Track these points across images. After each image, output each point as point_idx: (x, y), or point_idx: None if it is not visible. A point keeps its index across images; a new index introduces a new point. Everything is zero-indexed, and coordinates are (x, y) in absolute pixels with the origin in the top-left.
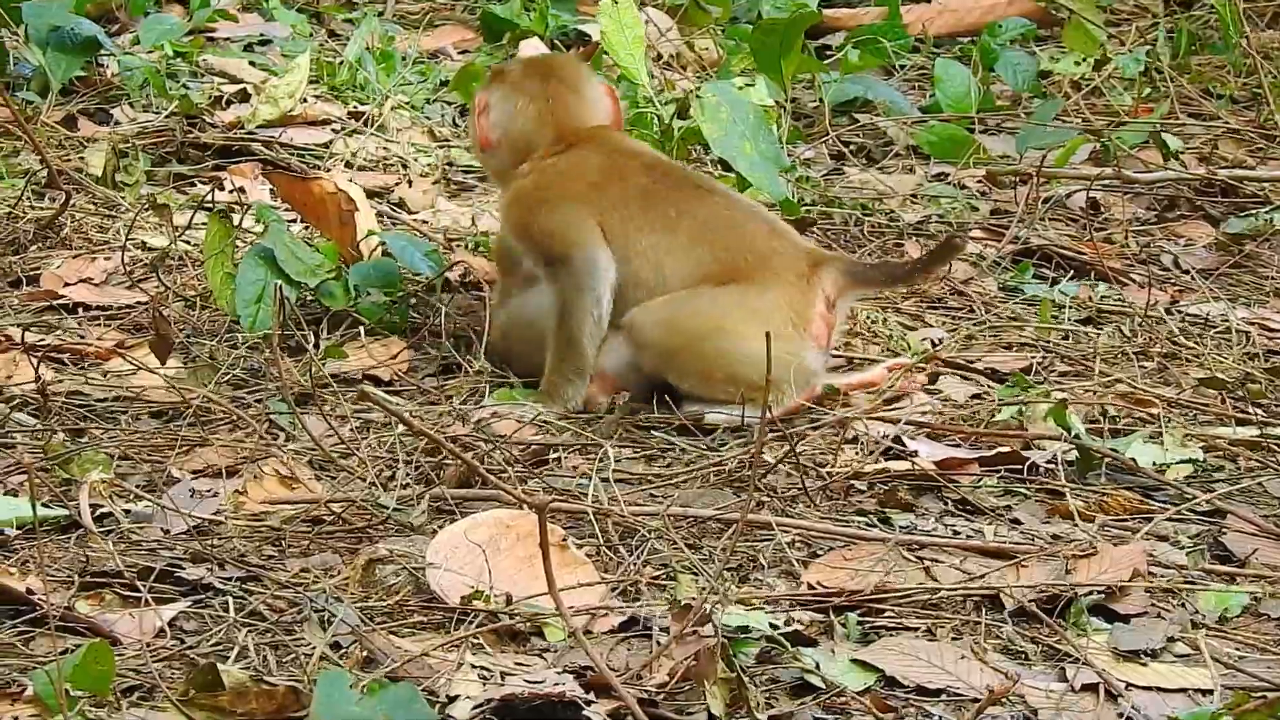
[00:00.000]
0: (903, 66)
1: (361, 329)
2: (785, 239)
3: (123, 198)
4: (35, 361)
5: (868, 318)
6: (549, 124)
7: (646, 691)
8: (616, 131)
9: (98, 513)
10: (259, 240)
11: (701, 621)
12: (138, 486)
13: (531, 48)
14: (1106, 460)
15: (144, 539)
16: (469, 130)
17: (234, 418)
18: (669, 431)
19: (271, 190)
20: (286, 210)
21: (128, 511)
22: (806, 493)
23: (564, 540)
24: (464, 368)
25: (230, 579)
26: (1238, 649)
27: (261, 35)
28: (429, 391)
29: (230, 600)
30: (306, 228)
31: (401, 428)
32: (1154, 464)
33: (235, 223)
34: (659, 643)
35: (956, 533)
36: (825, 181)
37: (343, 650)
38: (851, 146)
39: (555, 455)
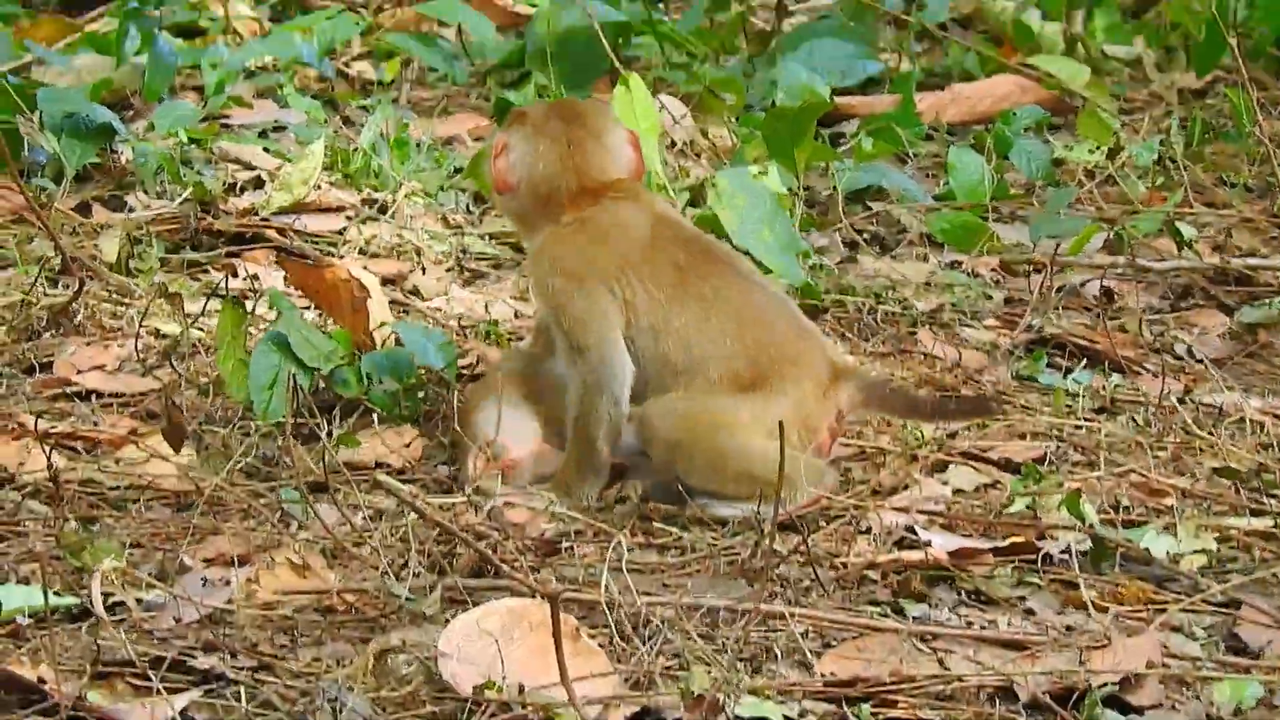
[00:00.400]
0: (916, 154)
1: (374, 417)
2: (812, 341)
3: (136, 284)
4: (47, 449)
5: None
6: (571, 172)
7: None
8: (641, 187)
9: (110, 601)
10: (272, 327)
11: (715, 712)
12: (150, 575)
13: None
14: (1120, 550)
15: (156, 628)
16: (487, 171)
17: (246, 506)
18: (682, 524)
19: (285, 277)
20: (300, 297)
21: (140, 600)
22: (819, 583)
23: (576, 630)
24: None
25: (242, 668)
26: None
27: (276, 122)
28: (442, 480)
29: (242, 690)
30: (320, 315)
31: (414, 516)
32: (1168, 554)
33: (249, 309)
34: None
35: (970, 623)
36: (839, 269)
37: None
38: (865, 234)
39: (567, 545)
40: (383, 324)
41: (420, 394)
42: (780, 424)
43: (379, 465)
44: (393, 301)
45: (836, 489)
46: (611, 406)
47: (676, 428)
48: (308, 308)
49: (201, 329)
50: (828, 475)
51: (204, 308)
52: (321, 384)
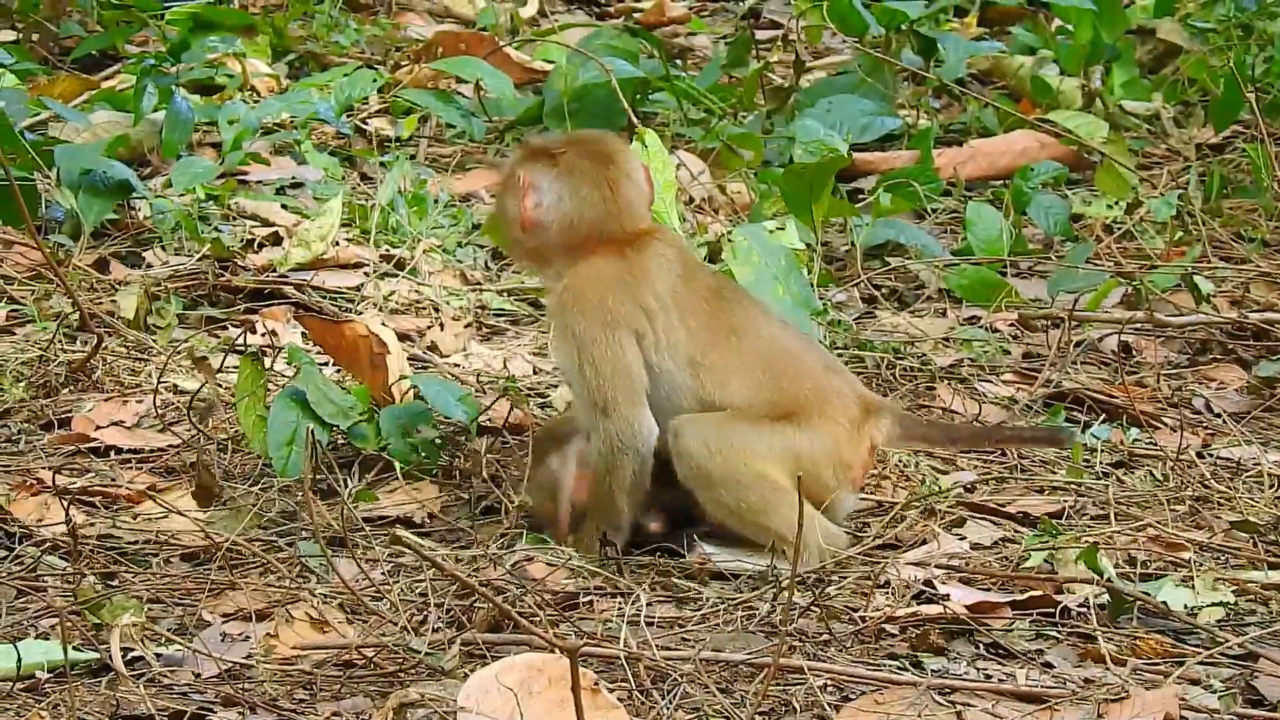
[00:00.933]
0: (934, 210)
1: (394, 471)
2: (842, 377)
3: (154, 340)
4: (66, 505)
5: (899, 460)
6: (615, 216)
7: None
8: (668, 230)
9: (129, 656)
10: (291, 383)
11: None
12: (169, 630)
13: None
14: (1138, 604)
15: (175, 683)
16: (506, 208)
17: (265, 561)
18: (701, 580)
19: (304, 333)
20: (318, 353)
21: (159, 655)
22: (837, 637)
23: (596, 684)
24: (500, 510)
25: None
26: None
27: (293, 178)
28: (460, 534)
29: None
30: (338, 371)
31: (433, 571)
32: (1185, 607)
33: (267, 365)
34: None
35: (988, 676)
36: (857, 324)
37: None
38: (883, 289)
39: (586, 600)
40: (402, 378)
41: (441, 448)
42: (798, 479)
43: (398, 520)
44: (411, 357)
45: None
46: (638, 465)
47: (712, 455)
48: (326, 363)
49: (220, 385)
50: (839, 538)
51: (222, 364)
52: (340, 439)
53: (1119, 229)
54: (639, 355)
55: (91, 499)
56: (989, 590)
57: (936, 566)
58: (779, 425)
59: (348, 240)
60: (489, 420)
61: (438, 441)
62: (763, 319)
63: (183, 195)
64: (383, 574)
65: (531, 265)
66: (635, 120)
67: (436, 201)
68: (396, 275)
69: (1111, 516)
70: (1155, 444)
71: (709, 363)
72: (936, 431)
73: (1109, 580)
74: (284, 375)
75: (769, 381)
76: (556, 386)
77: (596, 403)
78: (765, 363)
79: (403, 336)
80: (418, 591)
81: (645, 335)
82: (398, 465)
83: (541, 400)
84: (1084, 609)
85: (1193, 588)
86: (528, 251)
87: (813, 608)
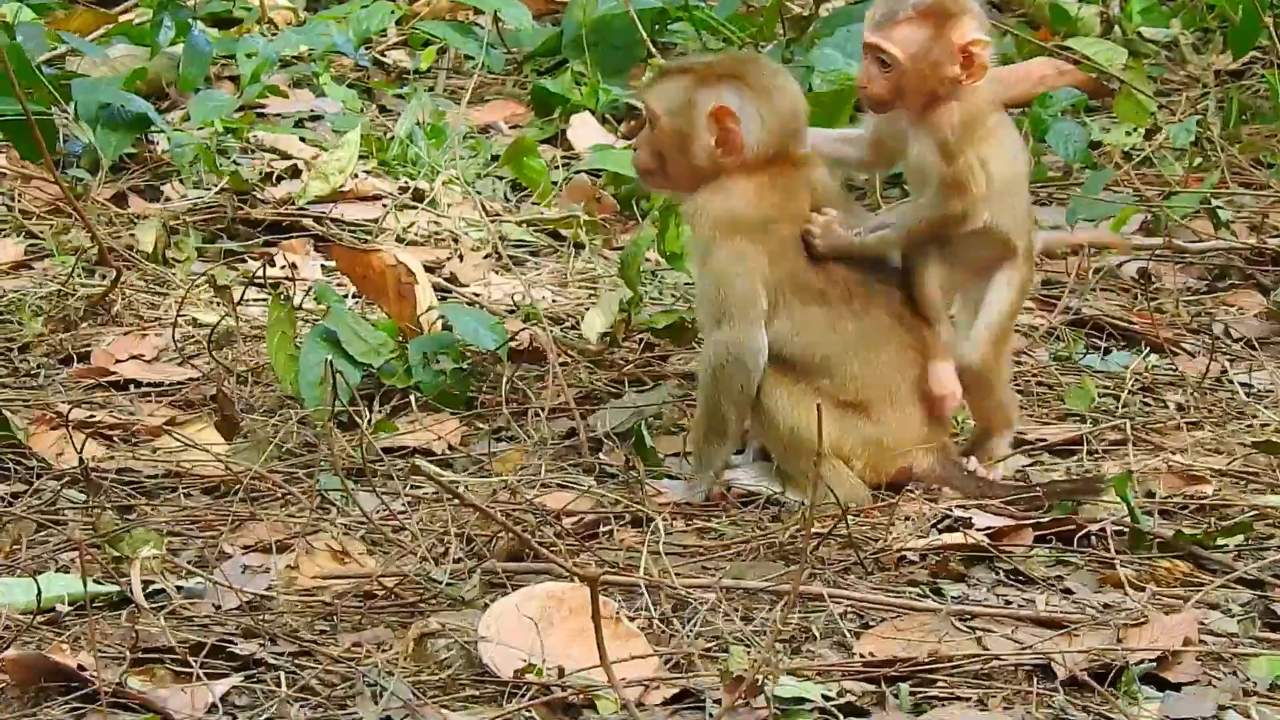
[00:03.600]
0: None
1: (412, 400)
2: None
3: (173, 274)
4: (81, 440)
5: None
6: (795, 135)
7: None
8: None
9: (149, 589)
10: (322, 321)
11: (754, 693)
12: (189, 562)
13: (582, 124)
14: (1157, 531)
15: (196, 615)
16: (705, 127)
17: (285, 493)
18: (723, 508)
19: (323, 266)
20: (341, 284)
21: (179, 588)
22: (861, 563)
23: (616, 613)
24: (520, 439)
25: (282, 654)
26: None
27: (312, 111)
28: (482, 463)
29: (282, 675)
30: (359, 300)
31: (453, 501)
32: (1205, 532)
33: (290, 298)
34: (711, 715)
35: (1008, 602)
36: None
37: None
38: None
39: (606, 529)
40: (430, 308)
41: (468, 378)
42: (818, 406)
43: (418, 451)
44: (431, 288)
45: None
46: (745, 380)
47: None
48: (349, 295)
49: (239, 318)
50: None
51: (242, 296)
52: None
53: (1138, 156)
54: (765, 275)
55: (111, 433)
56: (1009, 518)
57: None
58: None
59: (366, 173)
60: (517, 345)
61: (465, 369)
62: (880, 293)
63: (201, 129)
64: (403, 505)
65: (675, 190)
66: (654, 50)
67: (455, 133)
68: (415, 207)
69: (1130, 444)
70: (1175, 370)
71: (804, 317)
72: (972, 485)
73: (1131, 513)
74: (307, 310)
75: (850, 361)
76: (582, 315)
77: (713, 313)
78: (858, 340)
79: (423, 268)
80: (438, 522)
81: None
82: (416, 397)
83: (567, 327)
84: (1104, 534)
85: (1212, 514)
86: (689, 175)
87: (834, 535)
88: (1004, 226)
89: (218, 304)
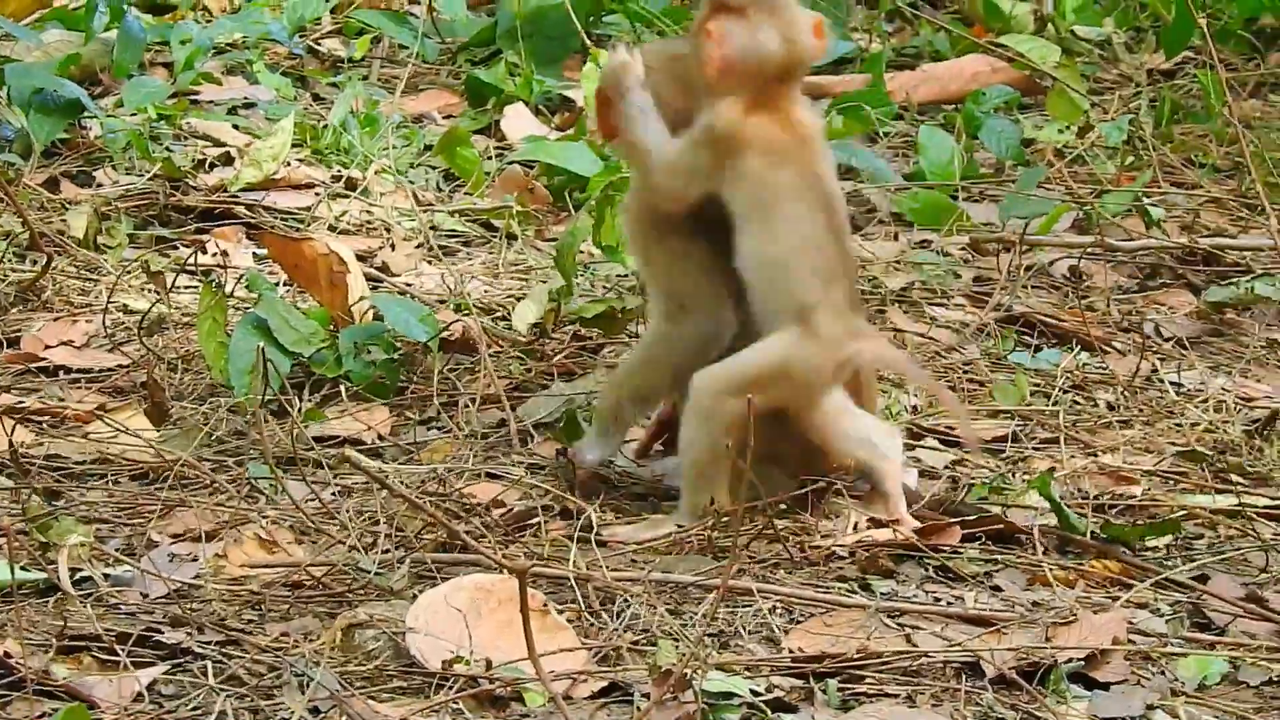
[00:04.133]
0: (886, 133)
1: (343, 390)
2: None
3: (105, 260)
4: (9, 425)
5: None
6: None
7: None
8: None
9: (77, 576)
10: (253, 309)
11: (682, 687)
12: (117, 550)
13: (516, 114)
14: (1086, 530)
15: (123, 603)
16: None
17: (214, 481)
18: (653, 504)
19: (255, 254)
20: (271, 272)
21: (107, 575)
22: (791, 558)
23: (545, 605)
24: (450, 430)
25: (209, 643)
26: (1217, 717)
27: (245, 98)
28: (411, 453)
29: (209, 664)
30: (290, 287)
31: (382, 491)
32: (1133, 526)
33: (221, 285)
34: (639, 709)
35: (937, 599)
36: None
37: (322, 715)
38: None
39: (536, 521)
40: (361, 298)
41: (399, 367)
42: (749, 400)
43: (348, 441)
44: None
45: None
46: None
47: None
48: (280, 282)
49: (170, 305)
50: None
51: (173, 283)
52: (294, 362)
53: (1070, 154)
54: None
55: (39, 419)
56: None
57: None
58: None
59: (299, 161)
60: (450, 335)
61: (396, 359)
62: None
63: (134, 115)
64: (332, 494)
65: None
66: (589, 42)
67: (388, 122)
68: (348, 196)
69: (1060, 442)
70: (1106, 368)
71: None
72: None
73: (1058, 509)
74: (238, 299)
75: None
76: (513, 306)
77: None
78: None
79: (355, 257)
80: (367, 512)
81: None
82: (347, 386)
83: (497, 318)
84: (1032, 532)
85: (1140, 514)
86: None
87: (764, 530)
88: None
89: (149, 291)
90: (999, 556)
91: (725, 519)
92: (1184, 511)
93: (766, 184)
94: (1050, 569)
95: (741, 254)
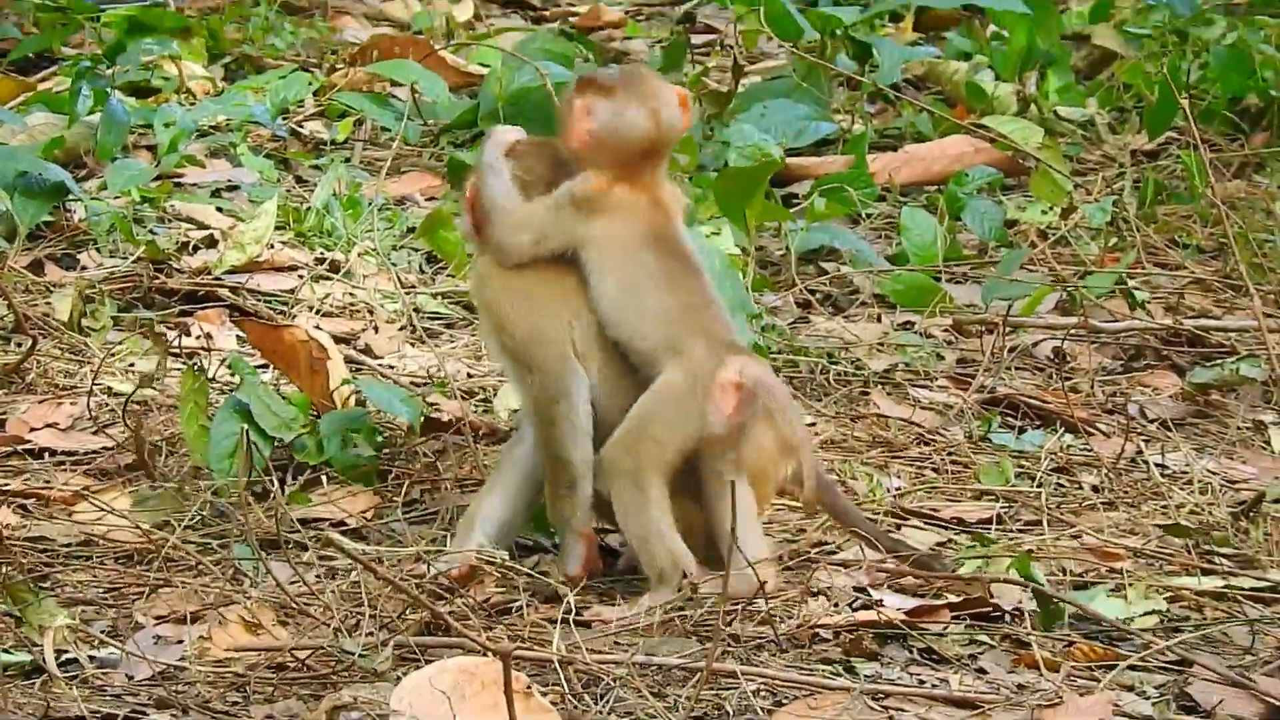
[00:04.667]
0: (869, 215)
1: (323, 477)
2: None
3: (89, 343)
4: None
5: (832, 467)
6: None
7: None
8: None
9: (62, 658)
10: (234, 393)
11: None
12: (102, 632)
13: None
14: (1070, 611)
15: (108, 685)
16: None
17: (199, 563)
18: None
19: (239, 336)
20: (254, 357)
21: (92, 657)
22: (776, 638)
23: (529, 688)
24: (437, 515)
25: None
26: None
27: (229, 181)
28: (395, 536)
29: None
30: (275, 373)
31: (366, 574)
32: (1118, 618)
33: (204, 368)
34: None
35: (922, 682)
36: (791, 330)
37: None
38: (818, 295)
39: (519, 604)
40: (343, 383)
41: (380, 452)
42: (732, 484)
43: (331, 523)
44: (345, 360)
45: (775, 564)
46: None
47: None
48: (263, 366)
49: (155, 388)
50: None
51: (158, 366)
52: (277, 443)
53: (1054, 235)
54: None
55: (25, 501)
56: (924, 596)
57: (871, 568)
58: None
59: (283, 243)
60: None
61: (379, 443)
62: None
63: (118, 197)
64: (316, 576)
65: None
66: None
67: (371, 204)
68: (331, 278)
69: (1045, 523)
70: (1090, 450)
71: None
72: (848, 513)
73: (1041, 588)
74: (221, 381)
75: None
76: (495, 389)
77: None
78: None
79: (337, 339)
80: (351, 595)
81: None
82: (329, 473)
83: (479, 400)
84: (1018, 613)
85: (1126, 598)
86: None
87: (747, 613)
88: None
89: (134, 372)
90: (983, 637)
91: (697, 590)
92: (1169, 593)
93: (620, 239)
94: (1036, 649)
95: (601, 308)
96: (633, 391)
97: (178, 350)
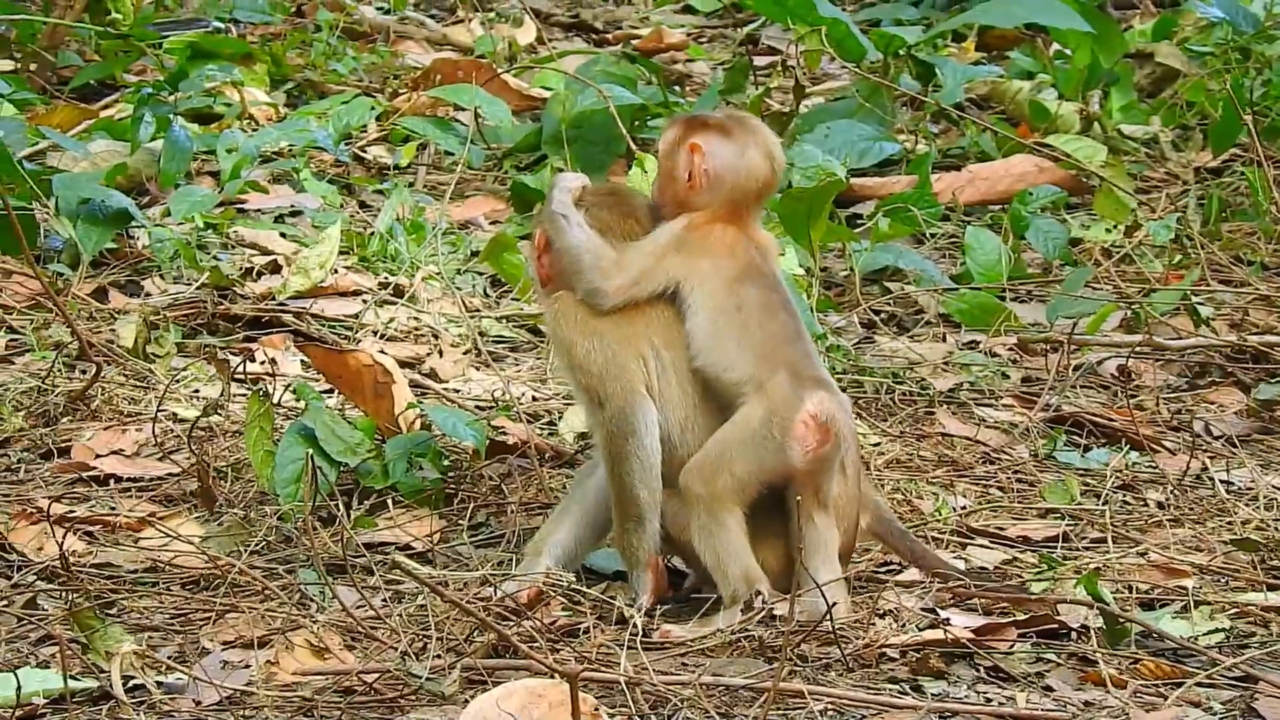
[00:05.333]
0: (933, 235)
1: (389, 501)
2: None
3: (153, 369)
4: (61, 534)
5: (897, 486)
6: None
7: None
8: None
9: (129, 684)
10: (299, 418)
11: None
12: (169, 658)
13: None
14: (1136, 629)
15: (176, 710)
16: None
17: (265, 588)
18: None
19: (304, 362)
20: (319, 382)
21: (159, 683)
22: (844, 658)
23: (596, 710)
24: (500, 536)
25: None
26: None
27: (292, 206)
28: (460, 559)
29: None
30: (340, 398)
31: (433, 597)
32: (1184, 635)
33: (269, 393)
34: None
35: (989, 700)
36: (856, 350)
37: None
38: (882, 315)
39: (585, 626)
40: (408, 407)
41: (445, 476)
42: (801, 492)
43: (397, 547)
44: (410, 384)
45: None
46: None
47: None
48: (328, 391)
49: (220, 414)
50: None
51: (223, 392)
52: (342, 467)
53: (1118, 253)
54: None
55: (91, 527)
56: (990, 615)
57: (937, 589)
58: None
59: (346, 268)
60: (506, 439)
61: (444, 466)
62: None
63: (181, 224)
64: (382, 600)
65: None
66: (634, 146)
67: (435, 229)
68: (395, 303)
69: (1111, 540)
70: (1156, 467)
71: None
72: (905, 545)
73: (1107, 607)
74: (287, 407)
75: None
76: (560, 412)
77: None
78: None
79: (402, 363)
80: (417, 618)
81: None
82: (395, 497)
83: (544, 423)
84: (1085, 630)
85: (1190, 618)
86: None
87: (815, 632)
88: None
89: (198, 398)
90: (1050, 655)
91: (773, 611)
92: (1235, 609)
93: (721, 276)
94: (1103, 667)
95: (695, 342)
96: (709, 427)
97: (242, 376)
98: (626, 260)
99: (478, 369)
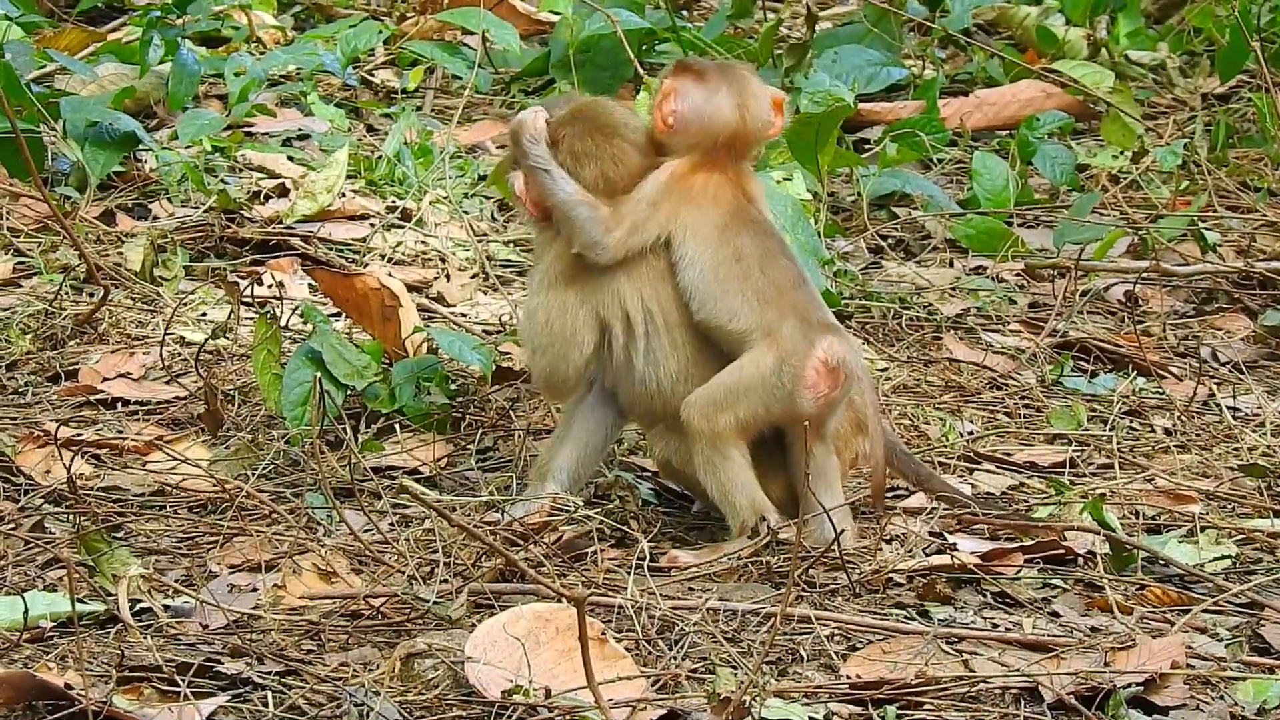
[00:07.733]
0: (940, 160)
1: (397, 425)
2: None
3: (161, 292)
4: (68, 457)
5: (904, 411)
6: None
7: None
8: None
9: (136, 608)
10: (306, 341)
11: (740, 715)
12: (176, 581)
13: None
14: (1143, 555)
15: (183, 634)
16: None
17: (272, 512)
18: (710, 534)
19: (311, 285)
20: (326, 305)
21: (166, 606)
22: (850, 583)
23: (603, 634)
24: (510, 462)
25: (269, 673)
26: None
27: (300, 130)
28: (468, 484)
29: (269, 695)
30: (343, 319)
31: (440, 521)
32: (1191, 562)
33: (277, 316)
34: None
35: (995, 625)
36: (863, 275)
37: None
38: (889, 240)
39: (592, 550)
40: (415, 330)
41: (452, 400)
42: (806, 425)
43: (404, 471)
44: (418, 308)
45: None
46: None
47: None
48: (335, 315)
49: (227, 336)
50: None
51: (230, 315)
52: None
53: (1125, 179)
54: None
55: (98, 450)
56: (997, 540)
57: (943, 515)
58: None
59: (354, 192)
60: (514, 364)
61: (451, 391)
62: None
63: (189, 147)
64: (390, 524)
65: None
66: (641, 71)
67: (442, 153)
68: (403, 226)
69: (1118, 466)
70: (1162, 393)
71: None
72: (910, 468)
73: (1114, 533)
74: (294, 330)
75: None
76: None
77: None
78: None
79: (409, 287)
80: (425, 542)
81: None
82: (401, 419)
83: None
84: (1091, 557)
85: (1197, 543)
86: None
87: (822, 558)
88: None
89: (206, 321)
90: (1056, 581)
91: (780, 538)
92: (1241, 535)
93: (712, 224)
94: (1109, 593)
95: (693, 293)
96: (705, 376)
97: (250, 299)
98: (622, 213)
99: (485, 293)
